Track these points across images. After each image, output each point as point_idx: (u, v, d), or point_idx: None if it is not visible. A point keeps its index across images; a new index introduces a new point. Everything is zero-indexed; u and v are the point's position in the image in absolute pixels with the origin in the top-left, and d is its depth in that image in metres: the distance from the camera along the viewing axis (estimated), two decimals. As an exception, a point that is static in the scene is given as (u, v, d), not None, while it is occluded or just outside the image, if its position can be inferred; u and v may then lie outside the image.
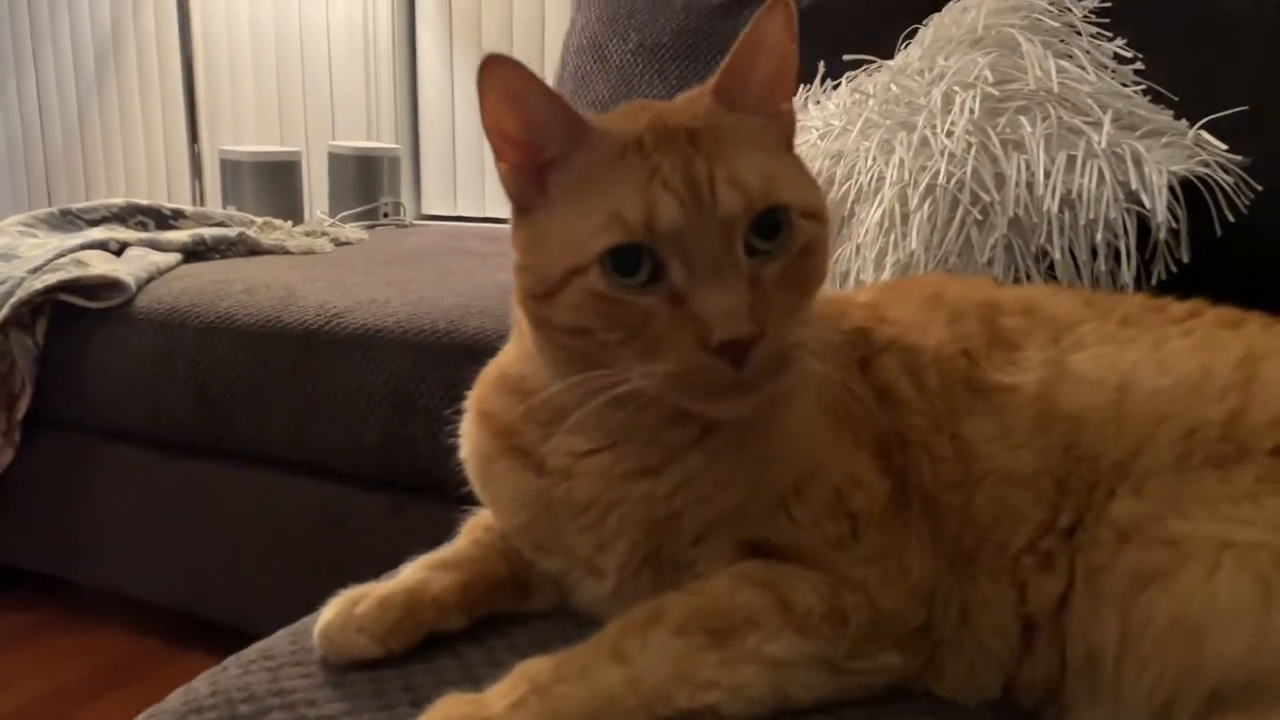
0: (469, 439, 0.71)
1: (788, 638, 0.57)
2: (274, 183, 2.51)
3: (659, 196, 0.55)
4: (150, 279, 1.71)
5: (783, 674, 0.57)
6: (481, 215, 2.95)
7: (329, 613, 0.66)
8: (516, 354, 0.69)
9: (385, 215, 2.63)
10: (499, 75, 0.58)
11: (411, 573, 0.69)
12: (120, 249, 1.84)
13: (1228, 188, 1.20)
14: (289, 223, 2.24)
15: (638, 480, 0.62)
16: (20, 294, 1.64)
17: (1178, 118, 1.31)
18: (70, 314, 1.66)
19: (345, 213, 2.54)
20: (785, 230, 0.58)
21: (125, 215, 2.05)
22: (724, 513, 0.62)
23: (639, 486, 0.62)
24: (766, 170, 0.58)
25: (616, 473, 0.63)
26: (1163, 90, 1.36)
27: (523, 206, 0.62)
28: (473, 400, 0.72)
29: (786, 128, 0.65)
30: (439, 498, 1.32)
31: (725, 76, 0.61)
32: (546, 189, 0.60)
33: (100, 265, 1.71)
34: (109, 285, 1.66)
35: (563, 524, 0.64)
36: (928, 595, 0.61)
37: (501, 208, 0.64)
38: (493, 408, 0.69)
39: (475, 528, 0.74)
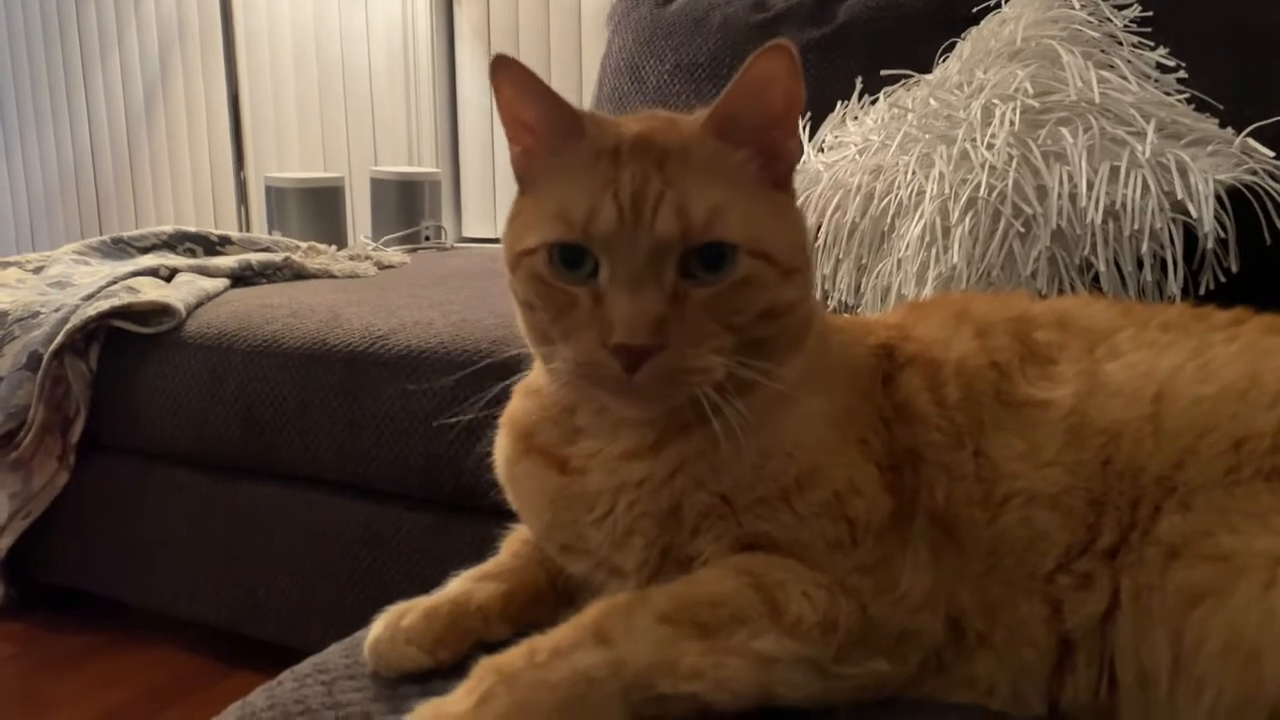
0: (498, 448, 0.73)
1: (775, 636, 0.57)
2: (318, 208, 2.56)
3: (603, 204, 0.59)
4: (199, 304, 1.74)
5: (769, 671, 0.56)
6: (521, 238, 2.97)
7: (377, 628, 0.67)
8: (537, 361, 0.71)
9: (427, 239, 2.66)
10: (510, 74, 0.64)
11: (456, 585, 0.70)
12: (170, 275, 1.87)
13: (1277, 195, 1.18)
14: (333, 247, 2.28)
15: (637, 460, 0.63)
16: (75, 320, 1.68)
17: (1223, 125, 1.29)
18: (122, 339, 1.70)
19: (388, 237, 2.57)
20: (728, 264, 0.60)
21: (174, 242, 2.09)
22: (722, 498, 0.62)
23: (637, 468, 0.63)
24: (723, 206, 0.60)
25: (615, 454, 0.64)
26: (1207, 99, 1.34)
27: (523, 187, 0.67)
28: (504, 413, 0.74)
29: (785, 165, 0.65)
30: (481, 517, 1.33)
31: (720, 112, 0.62)
32: (537, 174, 0.65)
33: (151, 291, 1.74)
34: (159, 311, 1.69)
35: (581, 519, 0.65)
36: (916, 607, 0.60)
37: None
38: (516, 412, 0.71)
39: (514, 541, 0.76)
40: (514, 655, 0.56)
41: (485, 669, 0.55)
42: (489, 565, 0.73)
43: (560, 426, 0.67)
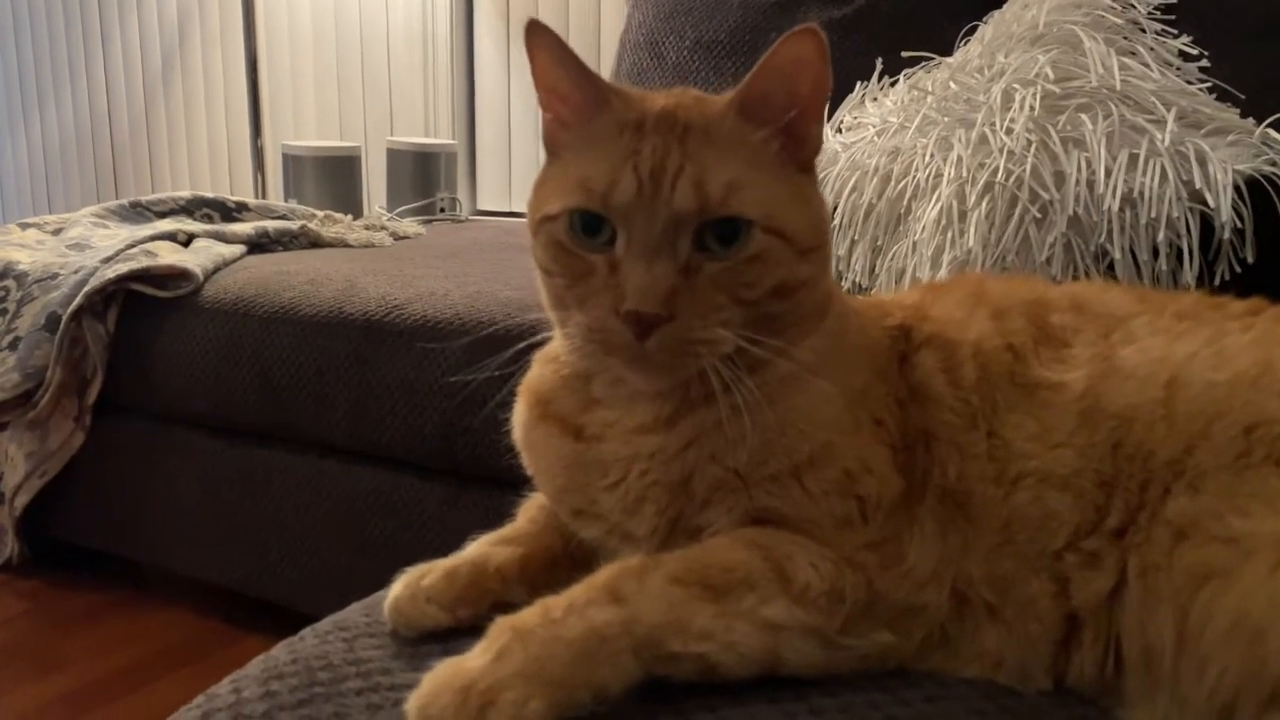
0: (516, 414, 0.74)
1: (784, 604, 0.58)
2: (334, 177, 2.56)
3: (623, 175, 0.61)
4: (216, 269, 1.76)
5: (776, 637, 0.58)
6: (535, 211, 2.98)
7: (397, 588, 0.68)
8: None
9: (442, 210, 2.66)
10: (544, 41, 0.65)
11: (474, 548, 0.71)
12: (187, 240, 1.89)
13: (1295, 187, 1.18)
14: (349, 216, 2.28)
15: (651, 434, 0.64)
16: (93, 283, 1.69)
17: (1244, 115, 1.29)
18: (140, 303, 1.71)
19: (403, 207, 2.58)
20: (742, 239, 0.61)
21: (192, 208, 2.10)
22: (733, 472, 0.62)
23: (651, 440, 0.64)
24: (740, 182, 0.61)
25: (630, 426, 0.65)
26: (1228, 88, 1.34)
27: (551, 155, 0.68)
28: (523, 380, 0.75)
29: (809, 149, 0.66)
30: (494, 487, 1.34)
31: (746, 91, 0.63)
32: (565, 142, 0.67)
33: (169, 255, 1.75)
34: (177, 275, 1.71)
35: (594, 484, 0.66)
36: (922, 582, 0.61)
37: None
38: (533, 379, 0.73)
39: (531, 507, 0.77)
40: (529, 613, 0.57)
41: (501, 627, 0.56)
42: (506, 530, 0.74)
43: (577, 395, 0.68)
